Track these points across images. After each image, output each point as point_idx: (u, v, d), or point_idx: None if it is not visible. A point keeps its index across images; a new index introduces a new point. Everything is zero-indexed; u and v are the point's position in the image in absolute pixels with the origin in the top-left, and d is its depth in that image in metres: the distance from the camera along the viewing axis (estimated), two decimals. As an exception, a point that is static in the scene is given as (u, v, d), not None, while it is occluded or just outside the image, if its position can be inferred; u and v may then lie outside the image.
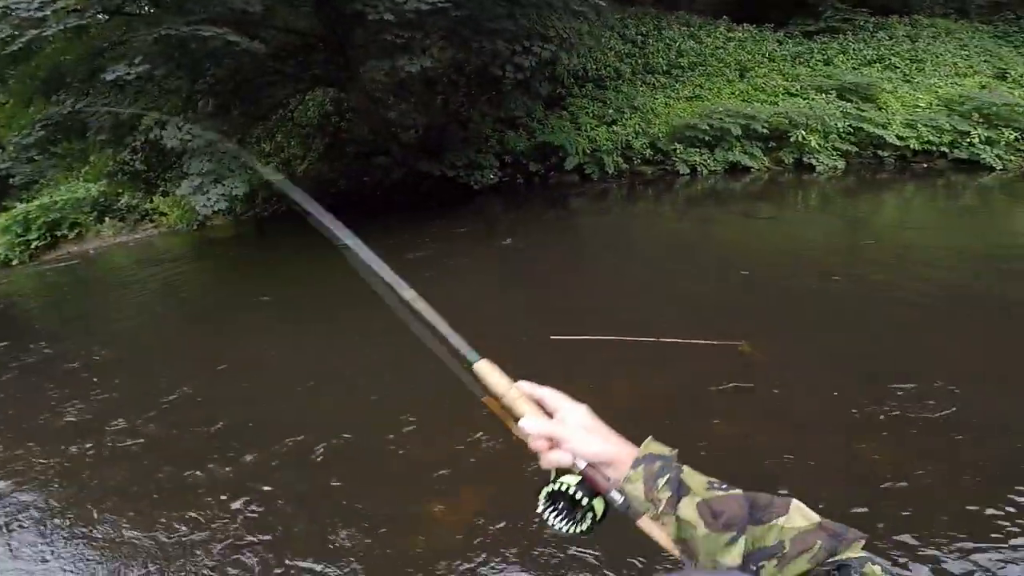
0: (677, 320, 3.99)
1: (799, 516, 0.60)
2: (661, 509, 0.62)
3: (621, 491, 0.65)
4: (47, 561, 2.61)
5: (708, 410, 2.98)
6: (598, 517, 0.66)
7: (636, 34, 11.13)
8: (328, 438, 3.22)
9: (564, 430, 0.68)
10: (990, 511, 2.11)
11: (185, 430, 3.62)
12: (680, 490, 0.63)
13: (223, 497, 2.82)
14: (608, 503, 0.66)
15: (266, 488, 2.85)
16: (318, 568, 2.29)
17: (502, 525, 2.35)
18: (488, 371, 0.75)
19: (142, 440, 3.54)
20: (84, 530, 2.78)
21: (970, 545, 1.96)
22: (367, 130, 11.12)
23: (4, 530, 2.88)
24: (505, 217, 8.86)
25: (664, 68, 10.49)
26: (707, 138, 8.66)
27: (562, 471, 0.68)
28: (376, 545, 2.37)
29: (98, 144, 8.35)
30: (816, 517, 0.60)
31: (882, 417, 2.73)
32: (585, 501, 0.65)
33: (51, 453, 3.55)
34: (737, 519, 0.59)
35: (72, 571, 2.53)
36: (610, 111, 9.82)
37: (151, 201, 12.23)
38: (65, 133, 7.95)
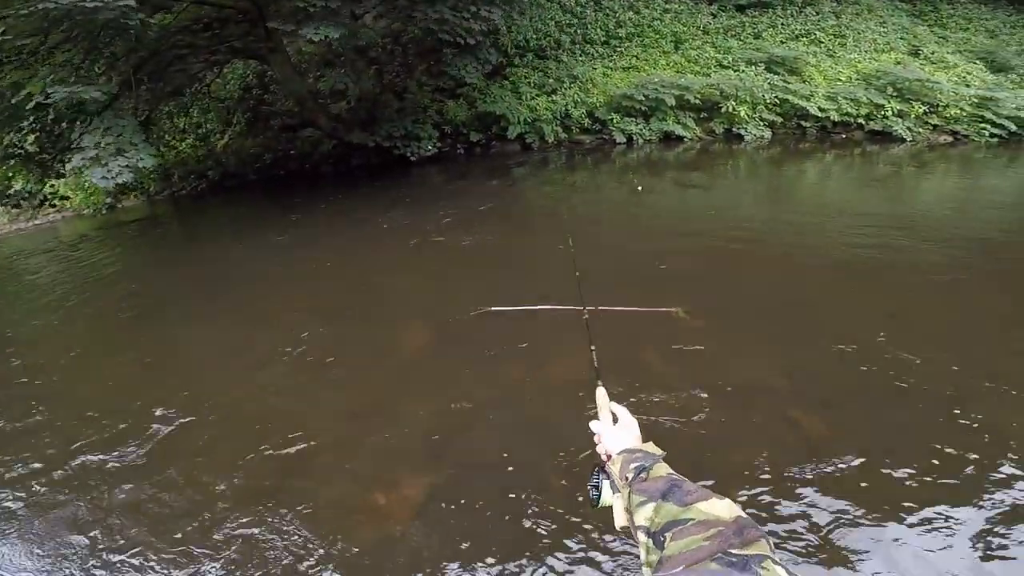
0: (611, 288, 4.02)
1: (721, 508, 0.66)
2: (623, 484, 0.82)
3: (606, 469, 0.91)
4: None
5: (642, 377, 3.02)
6: (603, 495, 0.89)
7: (576, 4, 11.02)
8: (249, 425, 3.08)
9: (604, 431, 0.98)
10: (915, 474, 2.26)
11: (109, 428, 3.31)
12: (641, 473, 0.80)
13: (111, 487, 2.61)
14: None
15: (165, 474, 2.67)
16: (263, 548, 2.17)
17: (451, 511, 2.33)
18: (601, 394, 1.11)
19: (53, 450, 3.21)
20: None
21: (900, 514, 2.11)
22: (292, 102, 10.42)
23: None
24: (445, 188, 8.67)
25: (603, 39, 10.47)
26: (643, 108, 8.75)
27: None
28: (323, 532, 2.31)
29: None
30: (739, 514, 0.65)
31: (811, 387, 2.86)
32: (596, 480, 0.90)
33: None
34: (652, 490, 0.74)
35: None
36: (550, 80, 9.76)
37: (50, 185, 11.03)
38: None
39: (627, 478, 0.81)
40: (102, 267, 7.48)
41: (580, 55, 10.31)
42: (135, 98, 8.16)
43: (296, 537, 2.33)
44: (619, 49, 10.28)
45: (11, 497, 2.83)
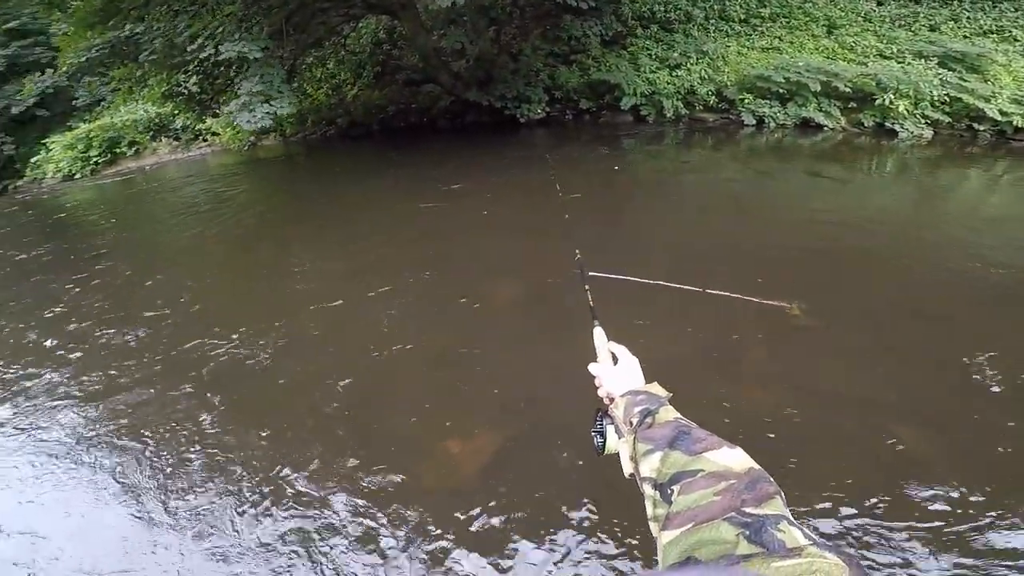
0: (724, 273, 3.87)
1: (732, 458, 0.61)
2: (627, 430, 0.76)
3: (609, 413, 0.85)
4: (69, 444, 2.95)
5: (742, 371, 2.94)
6: (608, 441, 0.84)
7: None
8: (352, 361, 3.41)
9: (604, 373, 0.92)
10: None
11: (209, 338, 3.90)
12: (647, 417, 0.74)
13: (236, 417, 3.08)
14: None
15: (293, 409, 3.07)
16: (332, 493, 2.48)
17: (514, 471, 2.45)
18: (598, 333, 1.06)
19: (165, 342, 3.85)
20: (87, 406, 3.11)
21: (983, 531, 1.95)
22: (417, 58, 10.79)
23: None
24: (552, 151, 8.69)
25: (742, 16, 9.78)
26: (781, 91, 8.02)
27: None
28: (391, 473, 2.51)
29: (148, 66, 8.43)
30: (751, 465, 0.61)
31: (923, 406, 2.63)
32: (599, 426, 0.86)
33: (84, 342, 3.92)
34: (658, 437, 0.69)
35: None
36: (675, 55, 9.29)
37: (204, 122, 12.46)
38: (119, 57, 8.08)
39: (631, 423, 0.75)
40: (238, 196, 8.59)
41: (714, 31, 9.72)
42: (283, 48, 8.88)
43: (364, 472, 2.51)
44: (760, 29, 9.58)
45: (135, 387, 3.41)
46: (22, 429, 3.32)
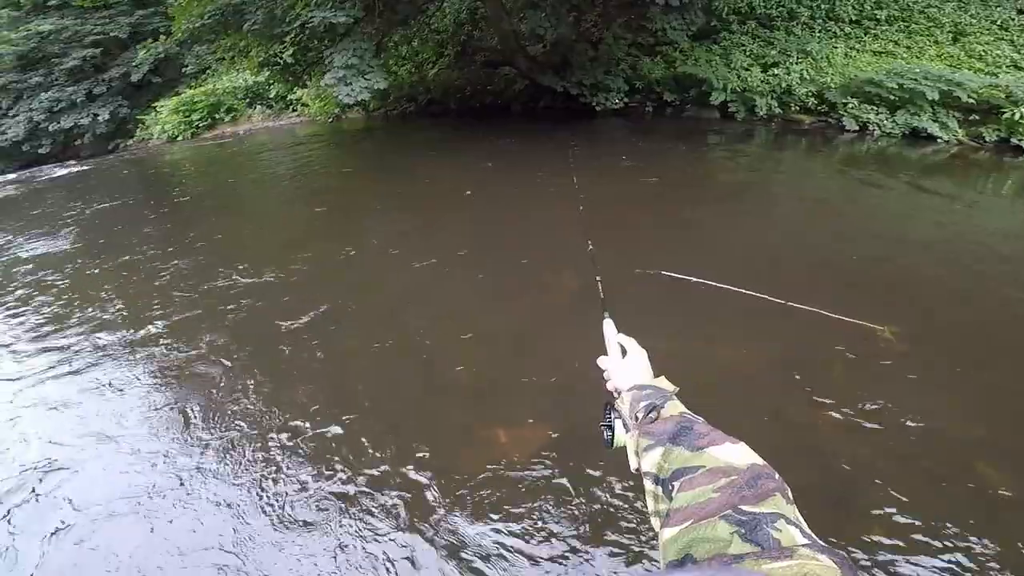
0: (809, 286, 3.62)
1: (735, 453, 0.60)
2: (633, 424, 0.76)
3: (616, 407, 0.84)
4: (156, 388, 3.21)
5: (820, 391, 2.73)
6: (616, 435, 0.82)
7: None
8: (411, 335, 3.50)
9: (612, 366, 0.91)
10: None
11: (275, 303, 4.12)
12: (652, 412, 0.73)
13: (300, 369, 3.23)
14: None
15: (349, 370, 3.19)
16: (381, 468, 2.57)
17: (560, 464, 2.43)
18: (608, 324, 1.05)
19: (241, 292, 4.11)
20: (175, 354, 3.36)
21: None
22: (497, 40, 10.81)
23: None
24: (628, 143, 8.49)
25: (853, 17, 9.12)
26: (892, 97, 7.35)
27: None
28: (439, 452, 2.55)
29: (250, 36, 8.96)
30: (754, 460, 0.58)
31: (1016, 446, 2.35)
32: (608, 420, 0.84)
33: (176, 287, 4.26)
34: (660, 432, 0.67)
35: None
36: (773, 52, 8.79)
37: (295, 92, 13.16)
38: (226, 27, 8.65)
39: (637, 417, 0.75)
40: (320, 162, 9.07)
41: (820, 31, 9.08)
42: (373, 24, 9.16)
43: (411, 450, 2.55)
44: (873, 31, 8.87)
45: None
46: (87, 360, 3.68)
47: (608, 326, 1.04)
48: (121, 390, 3.33)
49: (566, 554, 2.05)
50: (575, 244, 4.47)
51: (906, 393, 2.70)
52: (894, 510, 2.10)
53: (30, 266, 5.82)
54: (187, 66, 14.77)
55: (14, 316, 4.62)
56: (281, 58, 10.10)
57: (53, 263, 5.81)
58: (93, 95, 17.11)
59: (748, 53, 9.06)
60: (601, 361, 0.94)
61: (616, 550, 2.04)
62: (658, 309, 3.52)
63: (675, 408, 0.74)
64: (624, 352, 0.93)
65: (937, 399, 2.65)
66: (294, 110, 14.08)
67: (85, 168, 13.20)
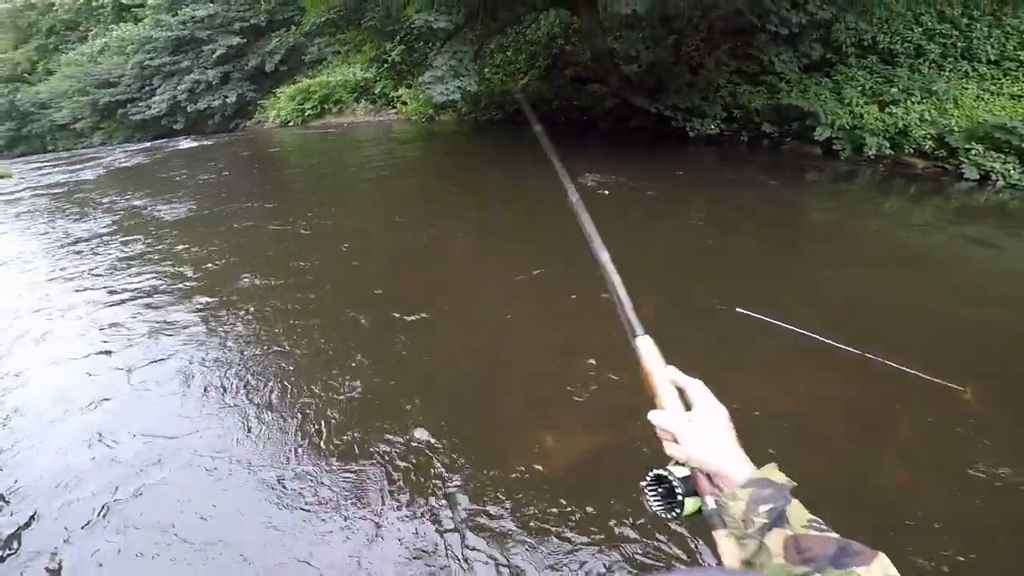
0: (890, 339, 3.31)
1: (879, 571, 0.56)
2: (749, 532, 0.63)
3: (718, 502, 0.67)
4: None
5: (890, 447, 2.50)
6: (685, 513, 0.69)
7: (961, 15, 8.77)
8: (474, 332, 3.57)
9: (685, 430, 0.70)
10: None
11: (352, 281, 4.34)
12: (777, 521, 0.62)
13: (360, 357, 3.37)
14: (701, 505, 0.68)
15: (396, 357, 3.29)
16: (431, 458, 2.61)
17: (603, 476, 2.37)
18: (646, 348, 0.79)
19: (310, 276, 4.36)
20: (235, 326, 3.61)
21: None
22: (589, 56, 10.87)
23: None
24: (720, 172, 8.18)
25: (992, 58, 8.22)
26: (1024, 145, 6.55)
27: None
28: (483, 451, 2.56)
29: (367, 31, 9.68)
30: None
31: None
32: (680, 496, 0.68)
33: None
34: (819, 557, 0.58)
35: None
36: (892, 91, 8.13)
37: (397, 91, 14.01)
38: (347, 21, 9.42)
39: (754, 522, 0.62)
40: (410, 158, 9.54)
41: (950, 71, 8.30)
42: (474, 30, 9.57)
43: (453, 448, 2.55)
44: (1013, 73, 7.95)
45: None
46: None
47: (647, 350, 0.79)
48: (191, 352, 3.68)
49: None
50: (660, 274, 4.43)
51: (981, 455, 2.42)
52: (947, 569, 1.89)
53: (153, 229, 6.61)
54: (306, 56, 16.12)
55: (127, 274, 5.27)
56: (389, 56, 10.81)
57: (172, 228, 6.57)
58: (227, 78, 19.20)
59: (864, 90, 8.45)
60: (659, 418, 0.72)
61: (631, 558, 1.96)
62: (728, 346, 3.35)
63: (801, 513, 0.63)
64: (680, 396, 0.74)
65: (1013, 468, 2.35)
66: (393, 107, 14.98)
67: (208, 143, 14.85)
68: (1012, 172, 6.64)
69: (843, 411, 2.79)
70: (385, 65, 11.08)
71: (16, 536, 2.25)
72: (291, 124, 16.79)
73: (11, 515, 2.36)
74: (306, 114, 16.61)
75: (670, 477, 0.69)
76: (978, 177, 6.82)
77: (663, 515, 0.70)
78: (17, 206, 8.90)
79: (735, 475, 0.66)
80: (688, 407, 0.72)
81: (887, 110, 7.93)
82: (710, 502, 0.67)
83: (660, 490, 0.71)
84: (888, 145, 7.66)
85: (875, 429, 2.65)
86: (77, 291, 4.70)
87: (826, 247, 5.28)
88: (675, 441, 0.70)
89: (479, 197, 7.03)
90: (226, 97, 19.03)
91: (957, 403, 2.75)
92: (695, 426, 0.70)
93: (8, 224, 7.60)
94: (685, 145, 9.47)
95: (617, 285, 0.88)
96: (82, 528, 2.26)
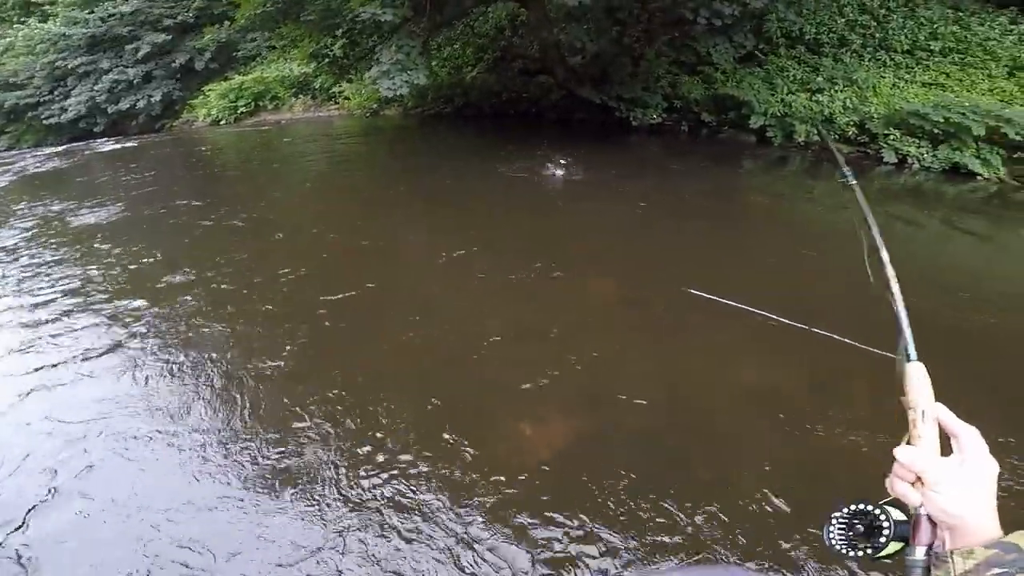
0: (831, 315, 3.59)
1: None
2: None
3: (937, 555, 0.61)
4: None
5: (833, 420, 2.70)
6: (878, 555, 0.64)
7: (880, 6, 9.55)
8: (438, 324, 3.58)
9: (946, 476, 0.62)
10: None
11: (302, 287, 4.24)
12: None
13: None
14: (903, 551, 0.63)
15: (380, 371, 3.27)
16: (407, 455, 2.61)
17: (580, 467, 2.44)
18: (918, 376, 0.72)
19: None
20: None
21: None
22: (536, 48, 10.98)
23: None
24: (662, 160, 8.53)
25: (906, 48, 8.98)
26: (936, 131, 7.21)
27: (896, 502, 0.66)
28: (461, 441, 2.58)
29: (306, 26, 9.30)
30: None
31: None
32: (884, 539, 0.64)
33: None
34: None
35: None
36: (818, 79, 8.72)
37: (339, 86, 13.56)
38: (286, 15, 9.03)
39: None
40: (351, 156, 9.32)
41: (869, 59, 8.96)
42: (421, 23, 9.41)
43: (434, 439, 2.56)
44: (925, 62, 8.69)
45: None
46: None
47: (919, 380, 0.70)
48: (145, 353, 3.49)
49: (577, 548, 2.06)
50: (606, 257, 4.59)
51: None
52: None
53: (76, 233, 6.12)
54: (238, 51, 15.30)
55: (52, 278, 4.87)
56: (331, 51, 10.43)
57: (96, 231, 6.11)
58: (150, 76, 17.89)
59: (793, 79, 9.00)
60: (910, 456, 0.64)
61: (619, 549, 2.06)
62: (681, 326, 3.53)
63: None
64: (937, 440, 0.66)
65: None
66: (335, 103, 14.51)
67: (131, 145, 13.82)
68: (925, 155, 7.30)
69: (795, 383, 3.01)
70: (326, 60, 10.69)
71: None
72: (223, 122, 15.90)
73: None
74: (239, 112, 15.79)
75: (882, 517, 0.64)
76: (896, 161, 7.45)
77: (843, 551, 0.66)
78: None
79: (982, 534, 0.60)
80: (942, 450, 0.65)
81: (814, 98, 8.49)
82: (919, 552, 0.61)
83: (857, 526, 0.67)
84: (816, 132, 8.21)
85: (826, 398, 2.86)
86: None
87: (764, 229, 5.64)
88: (918, 483, 0.63)
89: (424, 190, 6.99)
90: (150, 96, 17.75)
91: (893, 374, 3.02)
92: (964, 475, 0.62)
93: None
94: (629, 135, 9.77)
95: (898, 301, 0.85)
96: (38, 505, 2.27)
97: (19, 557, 2.08)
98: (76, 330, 3.76)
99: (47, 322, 3.91)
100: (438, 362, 3.24)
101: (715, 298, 3.74)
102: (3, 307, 4.28)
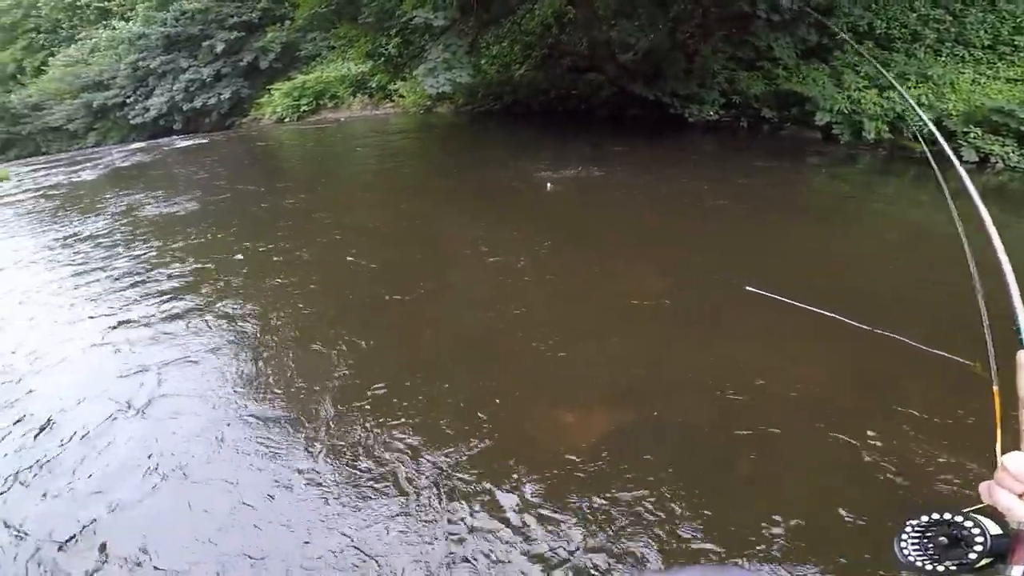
0: (898, 316, 3.37)
1: None
2: None
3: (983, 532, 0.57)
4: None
5: (890, 426, 2.53)
6: (967, 570, 0.58)
7: (956, 0, 8.89)
8: (484, 312, 3.61)
9: None
10: None
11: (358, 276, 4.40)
12: None
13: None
14: (994, 568, 0.58)
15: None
16: (448, 443, 2.64)
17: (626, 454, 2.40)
18: None
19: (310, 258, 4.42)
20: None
21: None
22: (584, 45, 10.85)
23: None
24: (720, 157, 8.28)
25: (987, 43, 8.33)
26: (1023, 129, 6.64)
27: (986, 512, 0.60)
28: (503, 428, 2.60)
29: (363, 27, 9.64)
30: None
31: None
32: (977, 554, 0.57)
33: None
34: None
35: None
36: (889, 75, 8.15)
37: (394, 84, 13.96)
38: (342, 16, 9.39)
39: None
40: (406, 150, 9.56)
41: (947, 55, 8.36)
42: (468, 22, 9.53)
43: (473, 425, 2.58)
44: (1009, 57, 8.02)
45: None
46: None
47: None
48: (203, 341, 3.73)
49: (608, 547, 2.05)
50: (660, 254, 4.51)
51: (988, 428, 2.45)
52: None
53: (154, 219, 6.64)
54: (300, 51, 15.99)
55: (134, 267, 5.30)
56: (386, 49, 10.77)
57: (172, 217, 6.60)
58: (220, 75, 19.06)
59: (862, 74, 8.51)
60: (1017, 460, 0.57)
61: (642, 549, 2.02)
62: (736, 322, 3.41)
63: None
64: None
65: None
66: (391, 100, 14.94)
67: (204, 142, 14.79)
68: (1011, 154, 6.70)
69: (853, 385, 2.84)
70: (381, 59, 11.04)
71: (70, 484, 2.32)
72: (287, 120, 16.72)
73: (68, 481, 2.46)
74: (301, 110, 16.55)
75: (975, 530, 0.58)
76: (977, 160, 6.89)
77: (920, 564, 0.60)
78: (17, 208, 8.88)
79: None
80: None
81: (885, 95, 7.99)
82: (1016, 572, 0.56)
83: (939, 537, 0.61)
84: (887, 129, 7.72)
85: (886, 402, 2.68)
86: (87, 287, 4.75)
87: (830, 228, 5.34)
88: None
89: (472, 184, 7.09)
90: (221, 94, 18.90)
91: (968, 377, 2.78)
92: None
93: (11, 226, 7.60)
94: (685, 131, 9.51)
95: (1012, 287, 0.77)
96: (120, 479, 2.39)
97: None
98: (154, 296, 4.19)
99: (130, 291, 4.36)
100: (485, 348, 3.28)
101: (774, 296, 3.56)
102: (93, 280, 4.77)
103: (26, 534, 2.23)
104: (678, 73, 9.79)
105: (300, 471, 2.45)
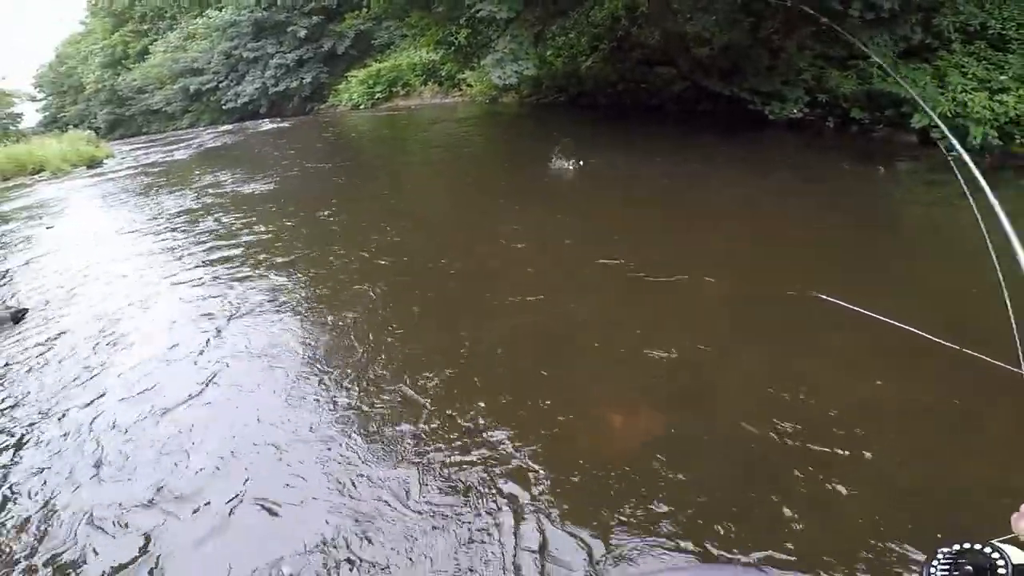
0: (990, 336, 3.02)
1: None
2: None
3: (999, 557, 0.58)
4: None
5: (961, 449, 2.31)
6: None
7: None
8: (544, 308, 3.59)
9: None
10: None
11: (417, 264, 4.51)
12: None
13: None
14: None
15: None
16: (493, 436, 2.58)
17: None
18: None
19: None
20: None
21: None
22: (657, 38, 10.45)
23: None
24: (801, 156, 7.74)
25: None
26: None
27: (1018, 542, 0.62)
28: (552, 429, 2.53)
29: (435, 16, 9.80)
30: None
31: None
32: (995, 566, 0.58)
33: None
34: None
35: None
36: (1002, 78, 7.35)
37: (463, 73, 14.16)
38: (413, 4, 9.61)
39: None
40: (471, 138, 9.68)
41: (1073, 55, 7.39)
42: (535, 13, 9.45)
43: (523, 427, 2.52)
44: None
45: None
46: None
47: None
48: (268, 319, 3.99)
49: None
50: (726, 258, 4.31)
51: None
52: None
53: (238, 195, 7.16)
54: (375, 40, 16.51)
55: (212, 237, 5.75)
56: (456, 38, 10.90)
57: (256, 199, 7.10)
58: (303, 61, 20.10)
59: (970, 76, 7.67)
60: None
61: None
62: (798, 330, 3.21)
63: None
64: None
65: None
66: (459, 89, 15.17)
67: (286, 126, 15.69)
68: None
69: (929, 405, 2.59)
70: (451, 48, 11.18)
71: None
72: (362, 107, 17.39)
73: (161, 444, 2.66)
74: (376, 97, 17.15)
75: (998, 559, 0.59)
76: (1107, 173, 6.04)
77: None
78: (119, 183, 9.85)
79: None
80: None
81: (996, 98, 7.17)
82: None
83: (966, 566, 0.62)
84: (996, 135, 6.93)
85: (965, 427, 2.44)
86: (181, 259, 5.22)
87: (920, 238, 4.86)
88: None
89: (523, 174, 7.16)
90: (303, 79, 19.93)
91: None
92: None
93: (113, 199, 8.45)
94: (763, 129, 8.95)
95: None
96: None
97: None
98: (228, 260, 4.73)
99: (207, 254, 4.90)
100: (541, 344, 3.25)
101: (847, 305, 3.31)
102: (178, 246, 5.31)
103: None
104: (759, 69, 9.22)
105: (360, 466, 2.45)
